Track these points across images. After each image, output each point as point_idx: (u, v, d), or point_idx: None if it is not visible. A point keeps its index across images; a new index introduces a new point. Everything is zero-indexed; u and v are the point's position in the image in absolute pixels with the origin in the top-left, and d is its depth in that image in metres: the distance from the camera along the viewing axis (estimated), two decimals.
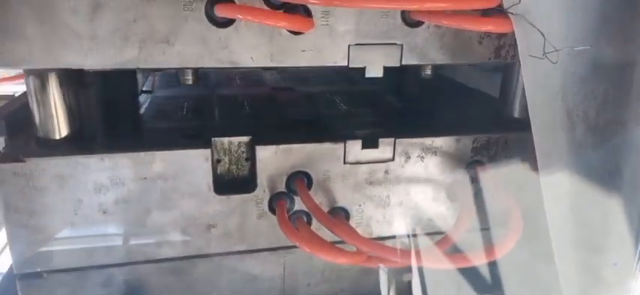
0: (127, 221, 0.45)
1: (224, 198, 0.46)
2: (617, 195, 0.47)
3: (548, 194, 0.46)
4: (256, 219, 0.47)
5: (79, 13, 0.39)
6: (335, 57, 0.45)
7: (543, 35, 0.41)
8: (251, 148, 0.46)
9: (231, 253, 0.49)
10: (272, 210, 0.47)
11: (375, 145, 0.47)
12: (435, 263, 0.46)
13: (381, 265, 0.50)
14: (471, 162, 0.51)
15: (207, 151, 0.45)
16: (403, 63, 0.46)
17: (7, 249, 0.44)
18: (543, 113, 0.45)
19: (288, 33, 0.43)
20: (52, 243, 0.44)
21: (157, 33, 0.40)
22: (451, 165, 0.50)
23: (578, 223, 0.48)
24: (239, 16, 0.40)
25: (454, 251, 0.46)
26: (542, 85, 0.44)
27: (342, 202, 0.49)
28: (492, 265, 0.50)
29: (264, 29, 0.42)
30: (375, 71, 0.46)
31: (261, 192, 0.47)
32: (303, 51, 0.44)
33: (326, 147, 0.47)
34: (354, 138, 0.47)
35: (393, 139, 0.48)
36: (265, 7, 0.41)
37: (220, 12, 0.39)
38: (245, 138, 0.46)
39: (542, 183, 0.46)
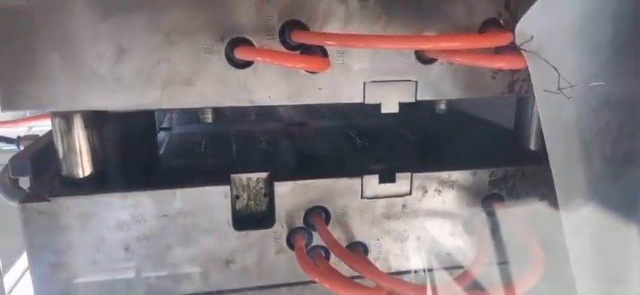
0: (148, 257, 0.45)
1: (243, 233, 0.47)
2: (637, 226, 0.46)
3: (569, 226, 0.46)
4: (274, 254, 0.48)
5: (104, 58, 0.40)
6: (351, 94, 0.46)
7: (557, 71, 0.41)
8: (269, 184, 0.47)
9: (249, 289, 0.49)
10: (290, 245, 0.48)
11: (392, 180, 0.48)
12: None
13: None
14: (489, 196, 0.51)
15: (227, 188, 0.45)
16: (418, 98, 0.47)
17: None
18: (560, 147, 0.45)
19: (306, 72, 0.44)
20: (74, 280, 0.45)
21: (179, 75, 0.42)
22: (468, 199, 0.50)
23: (600, 255, 0.47)
24: (258, 58, 0.41)
25: (474, 288, 0.45)
26: (558, 119, 0.45)
27: (359, 237, 0.49)
28: None
29: (281, 69, 0.43)
30: (390, 107, 0.47)
31: (280, 228, 0.47)
32: (320, 89, 0.45)
33: (343, 182, 0.47)
34: (371, 172, 0.48)
35: (410, 174, 0.48)
36: (283, 49, 0.42)
37: (240, 54, 0.41)
38: (263, 175, 0.47)
39: (562, 216, 0.45)
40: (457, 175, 0.50)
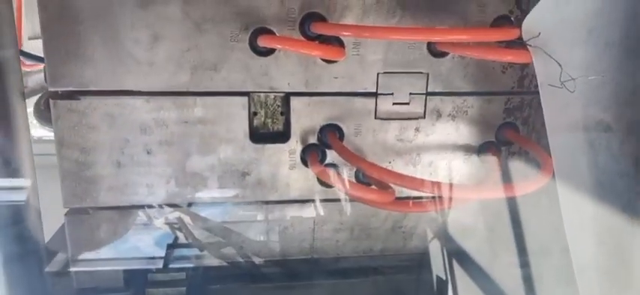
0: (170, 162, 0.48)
1: (259, 147, 0.49)
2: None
3: (570, 220, 0.48)
4: (288, 169, 0.50)
5: (140, 43, 0.44)
6: (365, 83, 0.49)
7: (560, 65, 0.43)
8: (286, 102, 0.49)
9: (263, 202, 0.52)
10: (304, 161, 0.50)
11: (406, 101, 0.49)
12: (464, 194, 0.47)
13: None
14: (503, 124, 0.52)
15: (245, 99, 0.47)
16: (428, 90, 0.50)
17: None
18: (564, 141, 0.47)
19: (322, 62, 0.47)
20: (98, 180, 0.48)
21: (207, 61, 0.46)
22: (483, 126, 0.51)
23: (602, 251, 0.49)
24: (279, 45, 0.44)
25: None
26: (563, 114, 0.46)
27: (371, 158, 0.51)
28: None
29: (300, 58, 0.47)
30: (401, 98, 0.49)
31: (294, 144, 0.50)
32: (336, 78, 0.48)
33: (357, 100, 0.49)
34: (386, 93, 0.49)
35: (424, 96, 0.50)
36: (302, 39, 0.46)
37: (263, 42, 0.44)
38: (281, 93, 0.48)
39: (562, 210, 0.47)
40: (472, 101, 0.51)
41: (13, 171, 0.48)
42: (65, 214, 0.49)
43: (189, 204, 0.51)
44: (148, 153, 0.48)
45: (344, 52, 0.45)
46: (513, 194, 0.48)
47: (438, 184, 0.44)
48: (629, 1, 0.43)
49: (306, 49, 0.44)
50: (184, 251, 0.54)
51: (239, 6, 0.45)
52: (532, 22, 0.43)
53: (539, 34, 0.44)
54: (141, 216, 0.51)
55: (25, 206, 0.49)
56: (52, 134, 0.47)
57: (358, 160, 0.47)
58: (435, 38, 0.45)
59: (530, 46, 0.43)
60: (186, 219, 0.51)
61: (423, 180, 0.44)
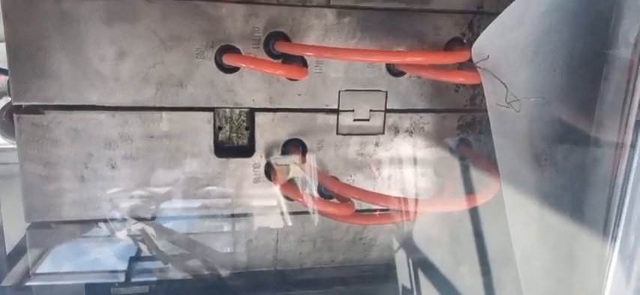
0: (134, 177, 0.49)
1: (223, 160, 0.50)
2: (583, 234, 0.51)
3: (517, 232, 0.51)
4: (253, 183, 0.52)
5: (106, 59, 0.45)
6: (327, 100, 0.51)
7: (506, 86, 0.46)
8: (251, 117, 0.50)
9: (228, 215, 0.53)
10: (268, 175, 0.52)
11: (366, 118, 0.52)
12: (424, 208, 0.50)
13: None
14: (460, 140, 0.55)
15: (210, 114, 0.49)
16: (387, 108, 0.52)
17: None
18: (511, 157, 0.50)
19: (286, 79, 0.49)
20: (61, 194, 0.48)
21: (172, 76, 0.47)
22: (438, 142, 0.54)
23: (549, 262, 0.52)
24: (243, 64, 0.46)
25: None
26: (509, 132, 0.50)
27: (333, 171, 0.53)
28: None
29: (265, 75, 0.49)
30: (362, 114, 0.52)
31: (258, 158, 0.51)
32: (299, 95, 0.50)
33: (320, 116, 0.51)
34: (347, 110, 0.51)
35: (383, 113, 0.52)
36: (267, 57, 0.48)
37: (228, 61, 0.46)
38: (245, 108, 0.50)
39: (509, 222, 0.50)
40: (428, 117, 0.54)
41: None
42: (27, 228, 0.49)
43: (153, 218, 0.51)
44: (113, 167, 0.48)
45: (306, 72, 0.47)
46: (464, 207, 0.51)
47: (393, 198, 0.46)
48: (571, 26, 0.47)
49: (270, 68, 0.46)
50: (147, 265, 0.54)
51: (205, 24, 0.46)
52: (481, 46, 0.46)
53: (488, 56, 0.47)
54: (104, 229, 0.51)
55: None
56: (13, 144, 0.47)
57: (320, 175, 0.49)
58: (392, 60, 0.48)
59: (479, 67, 0.46)
60: (150, 232, 0.52)
61: (380, 194, 0.46)
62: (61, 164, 0.47)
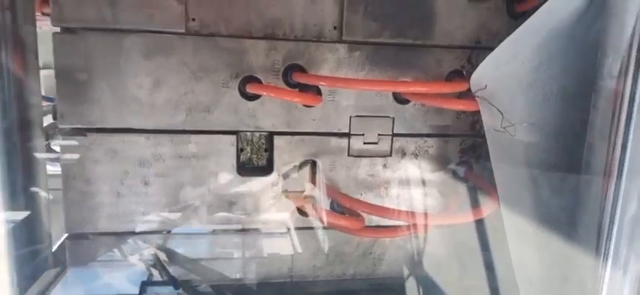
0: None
1: (245, 179, 0.55)
2: (578, 250, 0.55)
3: (515, 249, 0.55)
4: (271, 200, 0.56)
5: (143, 87, 0.51)
6: (339, 125, 0.56)
7: (501, 113, 0.51)
8: (270, 140, 0.55)
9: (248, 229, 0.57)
10: (284, 193, 0.56)
11: (375, 141, 0.57)
12: (430, 222, 0.55)
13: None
14: (460, 162, 0.60)
15: (234, 137, 0.54)
16: (394, 132, 0.57)
17: None
18: (508, 178, 0.55)
19: (302, 106, 0.54)
20: (99, 208, 0.53)
21: (201, 103, 0.52)
22: (441, 163, 0.59)
23: (547, 281, 0.56)
24: (265, 93, 0.51)
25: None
26: (507, 154, 0.54)
27: (345, 190, 0.57)
28: None
29: (283, 103, 0.54)
30: (371, 138, 0.57)
31: (276, 177, 0.56)
32: (314, 120, 0.55)
33: (333, 140, 0.56)
34: (357, 134, 0.56)
35: (390, 137, 0.57)
36: (285, 87, 0.53)
37: (250, 89, 0.51)
38: (265, 132, 0.55)
39: (509, 241, 0.54)
40: (431, 141, 0.59)
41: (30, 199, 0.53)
42: (66, 238, 0.54)
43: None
44: (146, 184, 0.53)
45: (321, 99, 0.52)
46: (462, 221, 0.55)
47: (397, 211, 0.51)
48: (563, 59, 0.52)
49: (288, 96, 0.51)
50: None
51: (230, 57, 0.52)
52: (479, 77, 0.51)
53: (486, 86, 0.52)
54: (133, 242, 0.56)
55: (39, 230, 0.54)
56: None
57: (332, 191, 0.54)
58: (398, 89, 0.53)
59: (477, 96, 0.51)
60: (173, 246, 0.57)
61: (387, 208, 0.51)
62: (100, 181, 0.52)
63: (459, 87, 0.52)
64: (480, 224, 0.59)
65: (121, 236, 0.55)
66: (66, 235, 0.54)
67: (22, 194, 0.52)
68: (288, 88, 0.53)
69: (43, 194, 0.53)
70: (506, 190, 0.54)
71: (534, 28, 0.50)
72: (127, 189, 0.53)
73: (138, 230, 0.54)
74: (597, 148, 0.51)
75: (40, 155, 0.54)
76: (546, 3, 0.47)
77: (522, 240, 0.55)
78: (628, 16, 0.47)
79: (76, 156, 0.51)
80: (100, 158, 0.52)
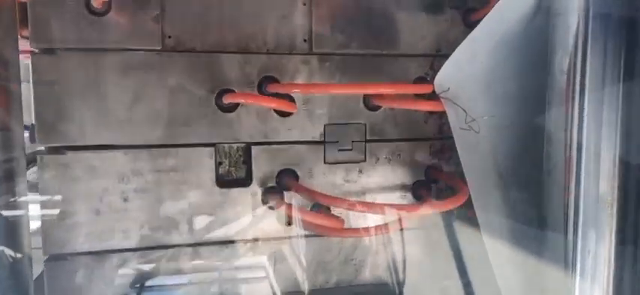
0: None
1: (224, 190, 0.56)
2: (547, 240, 0.57)
3: (490, 243, 0.57)
4: (251, 209, 0.57)
5: (121, 103, 0.52)
6: (314, 133, 0.58)
7: (465, 111, 0.55)
8: (247, 152, 0.57)
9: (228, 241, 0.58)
10: (264, 202, 0.57)
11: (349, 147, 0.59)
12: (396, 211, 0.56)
13: None
14: (430, 165, 0.62)
15: (212, 149, 0.55)
16: (367, 138, 0.60)
17: None
18: (478, 176, 0.57)
19: (278, 116, 0.57)
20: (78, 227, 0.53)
21: (179, 117, 0.54)
22: (414, 167, 0.61)
23: (518, 269, 0.58)
24: (241, 100, 0.53)
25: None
26: (475, 152, 0.57)
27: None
28: None
29: (259, 114, 0.56)
30: (345, 144, 0.59)
31: (255, 187, 0.57)
32: (290, 130, 0.57)
33: (309, 148, 0.58)
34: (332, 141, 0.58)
35: (363, 142, 0.59)
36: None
37: (227, 99, 0.53)
38: (242, 144, 0.56)
39: (483, 235, 0.56)
40: (402, 146, 0.61)
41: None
42: (45, 261, 0.53)
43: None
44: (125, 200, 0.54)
45: (296, 106, 0.54)
46: (436, 210, 0.57)
47: (376, 205, 0.53)
48: (517, 60, 0.56)
49: (264, 101, 0.53)
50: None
51: (206, 73, 0.54)
52: (442, 79, 0.55)
53: (449, 88, 0.55)
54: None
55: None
56: None
57: (313, 193, 0.55)
58: (368, 90, 0.56)
59: (442, 97, 0.55)
60: (157, 261, 0.57)
61: (365, 202, 0.53)
62: (79, 199, 0.52)
63: (423, 89, 0.55)
64: (454, 220, 0.62)
65: (101, 255, 0.54)
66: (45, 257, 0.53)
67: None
68: (262, 94, 0.55)
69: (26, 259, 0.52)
70: (477, 189, 0.57)
71: (489, 30, 0.54)
72: (106, 207, 0.53)
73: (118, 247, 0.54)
74: (555, 139, 0.54)
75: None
76: (497, 5, 0.51)
77: (495, 232, 0.57)
78: (571, 15, 0.52)
79: (54, 174, 0.51)
80: (79, 175, 0.52)
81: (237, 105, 0.55)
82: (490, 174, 0.58)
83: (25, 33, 0.50)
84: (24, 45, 0.51)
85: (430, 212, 0.59)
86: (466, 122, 0.54)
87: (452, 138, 0.61)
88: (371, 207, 0.52)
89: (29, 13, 0.49)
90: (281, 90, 0.54)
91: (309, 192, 0.55)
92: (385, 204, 0.55)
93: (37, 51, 0.50)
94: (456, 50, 0.53)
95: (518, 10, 0.53)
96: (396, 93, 0.55)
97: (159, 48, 0.53)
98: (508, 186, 0.59)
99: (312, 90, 0.55)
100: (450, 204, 0.54)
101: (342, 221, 0.53)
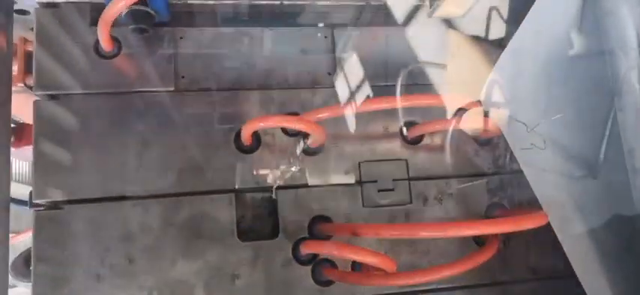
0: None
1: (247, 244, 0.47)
2: None
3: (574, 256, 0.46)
4: (280, 267, 0.47)
5: (129, 148, 0.46)
6: (348, 173, 0.50)
7: (525, 125, 0.46)
8: (271, 201, 0.48)
9: None
10: (295, 258, 0.47)
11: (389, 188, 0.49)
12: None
13: None
14: (491, 204, 0.52)
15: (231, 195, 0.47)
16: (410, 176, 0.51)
17: None
18: (551, 194, 0.47)
19: (306, 156, 0.49)
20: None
21: (193, 160, 0.47)
22: (470, 207, 0.51)
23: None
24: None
25: None
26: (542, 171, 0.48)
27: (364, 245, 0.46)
28: None
29: (284, 153, 0.49)
30: (385, 184, 0.50)
31: (283, 240, 0.47)
32: (320, 170, 0.50)
33: (343, 189, 0.49)
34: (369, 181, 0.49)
35: (407, 182, 0.50)
36: (283, 136, 0.49)
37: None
38: (267, 194, 0.48)
39: (565, 249, 0.45)
40: (454, 183, 0.51)
41: None
42: None
43: None
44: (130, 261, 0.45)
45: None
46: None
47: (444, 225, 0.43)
48: (577, 83, 0.49)
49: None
50: None
51: (224, 110, 0.49)
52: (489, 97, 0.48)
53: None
54: None
55: None
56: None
57: (356, 227, 0.45)
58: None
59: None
60: None
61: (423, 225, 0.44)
62: (78, 261, 0.44)
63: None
64: None
65: None
66: None
67: None
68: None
69: None
70: (553, 208, 0.46)
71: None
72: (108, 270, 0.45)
73: None
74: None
75: None
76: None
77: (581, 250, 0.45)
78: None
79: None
80: (79, 230, 0.45)
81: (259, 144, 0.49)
82: (563, 188, 0.48)
83: (29, 81, 0.47)
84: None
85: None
86: (530, 142, 0.45)
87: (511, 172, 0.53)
88: (440, 228, 0.42)
89: (35, 58, 0.46)
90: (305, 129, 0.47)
91: (350, 228, 0.45)
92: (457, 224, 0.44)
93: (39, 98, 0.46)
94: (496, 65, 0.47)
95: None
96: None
97: (172, 88, 0.48)
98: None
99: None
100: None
101: (393, 261, 0.42)
